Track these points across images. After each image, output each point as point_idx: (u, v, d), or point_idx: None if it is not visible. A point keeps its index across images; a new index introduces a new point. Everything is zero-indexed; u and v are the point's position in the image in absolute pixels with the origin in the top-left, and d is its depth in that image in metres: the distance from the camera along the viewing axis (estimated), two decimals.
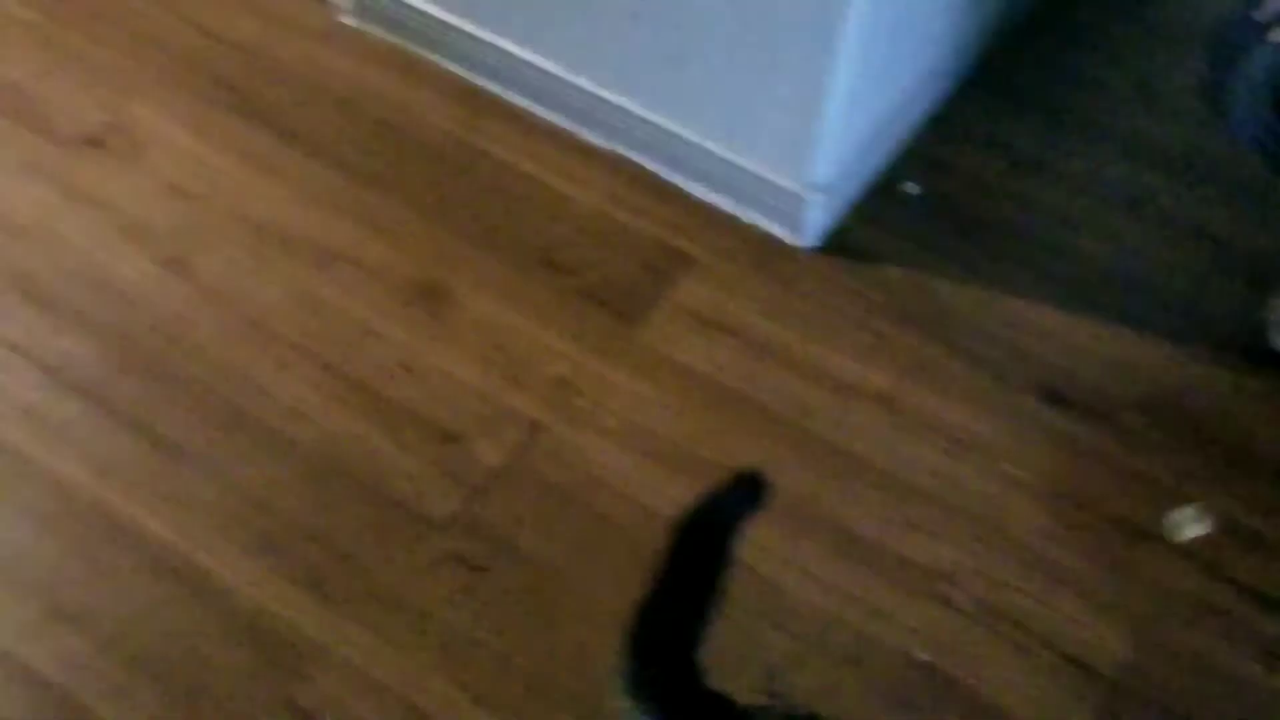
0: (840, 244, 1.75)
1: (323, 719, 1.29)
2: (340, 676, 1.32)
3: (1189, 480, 1.54)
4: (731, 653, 1.34)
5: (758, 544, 1.43)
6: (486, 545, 1.42)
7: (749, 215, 1.74)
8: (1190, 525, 1.51)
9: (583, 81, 1.78)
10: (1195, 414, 1.62)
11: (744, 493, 1.09)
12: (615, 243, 1.71)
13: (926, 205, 1.81)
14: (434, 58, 1.89)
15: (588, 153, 1.81)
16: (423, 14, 1.85)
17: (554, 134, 1.82)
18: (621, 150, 1.80)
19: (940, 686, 1.36)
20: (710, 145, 1.72)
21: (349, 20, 1.93)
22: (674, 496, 1.45)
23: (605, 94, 1.77)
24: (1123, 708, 1.36)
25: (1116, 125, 1.95)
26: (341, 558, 1.40)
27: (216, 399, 1.52)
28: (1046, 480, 1.54)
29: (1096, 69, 2.04)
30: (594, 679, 1.33)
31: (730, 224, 1.74)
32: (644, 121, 1.75)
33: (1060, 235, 1.80)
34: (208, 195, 1.73)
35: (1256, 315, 1.69)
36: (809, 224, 1.71)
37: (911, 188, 1.82)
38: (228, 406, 1.52)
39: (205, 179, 1.75)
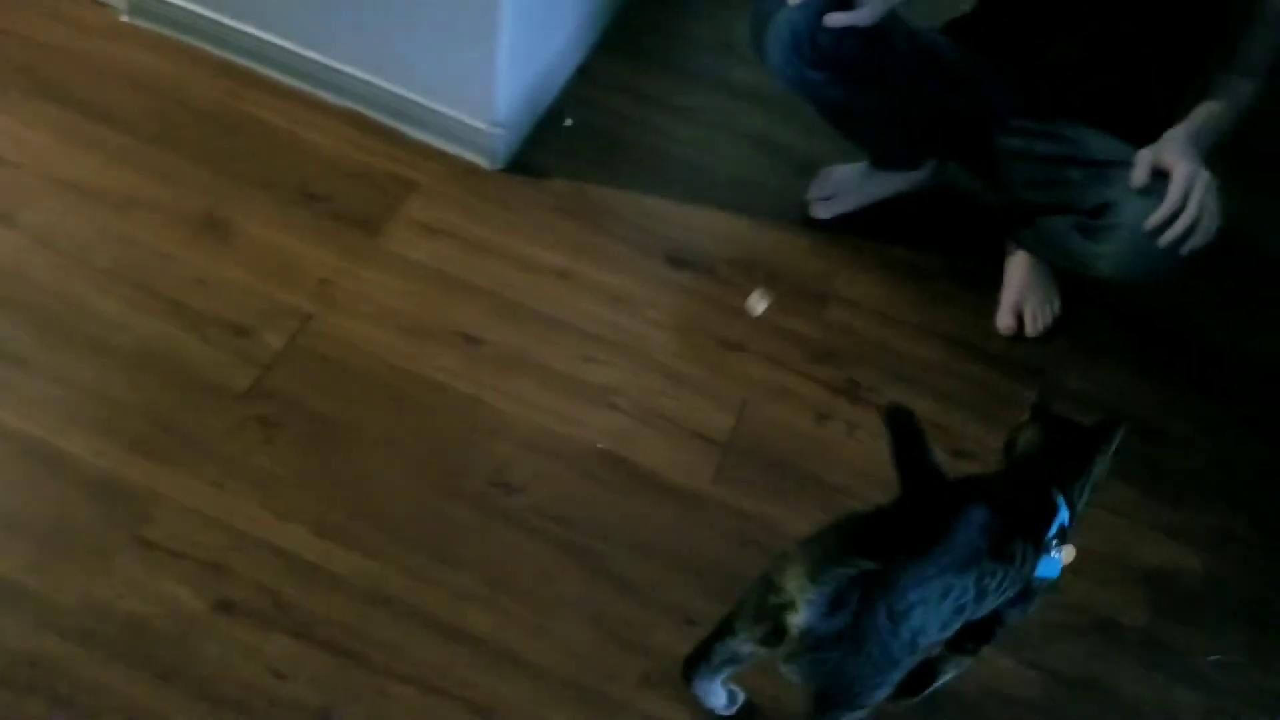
0: (521, 165, 1.74)
1: (165, 546, 1.25)
2: (176, 515, 1.27)
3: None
4: (467, 457, 1.39)
5: (483, 382, 1.46)
6: (279, 407, 1.38)
7: (453, 148, 1.71)
8: (760, 303, 1.60)
9: (314, 54, 1.69)
10: (767, 262, 1.70)
11: (903, 424, 1.08)
12: (355, 175, 1.65)
13: (580, 134, 1.82)
14: (200, 44, 1.75)
15: (326, 109, 1.72)
16: (187, 10, 1.71)
17: (299, 96, 1.73)
18: (352, 105, 1.72)
19: (615, 464, 1.41)
20: (418, 97, 1.68)
21: (127, 19, 1.76)
22: (418, 355, 1.47)
23: (333, 62, 1.69)
24: (734, 461, 1.45)
25: (708, 70, 2.00)
26: (165, 428, 1.33)
27: (53, 319, 1.41)
28: (673, 316, 1.60)
29: (693, 28, 2.08)
30: (372, 493, 1.33)
31: (440, 156, 1.71)
32: (365, 82, 1.69)
33: (677, 150, 1.84)
34: (25, 163, 1.56)
35: (803, 197, 1.79)
36: (497, 152, 1.70)
37: (569, 121, 1.82)
38: (63, 325, 1.40)
39: (22, 150, 1.58)
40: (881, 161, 1.77)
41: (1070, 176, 1.52)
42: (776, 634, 0.99)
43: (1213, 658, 1.38)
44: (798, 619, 0.96)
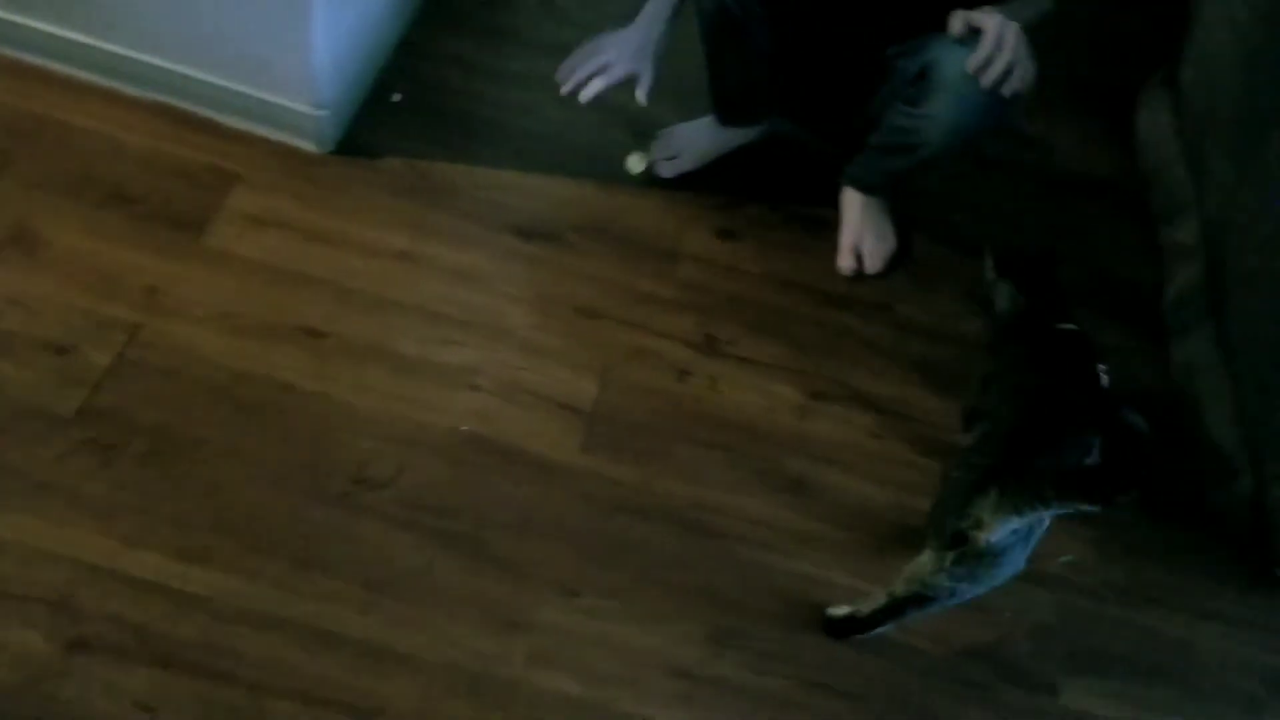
0: (351, 147, 1.66)
1: (3, 592, 1.16)
2: (14, 556, 1.18)
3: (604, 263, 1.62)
4: (325, 457, 1.33)
5: (333, 377, 1.39)
6: (113, 427, 1.29)
7: (276, 135, 1.62)
8: (638, 164, 1.64)
9: (113, 46, 1.56)
10: (616, 224, 1.68)
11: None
12: (171, 172, 1.55)
13: (410, 109, 1.74)
14: None
15: (133, 104, 1.60)
16: None
17: (101, 92, 1.60)
18: (161, 97, 1.61)
19: (481, 445, 1.38)
20: (232, 84, 1.58)
21: None
22: (260, 356, 1.39)
23: (135, 54, 1.57)
24: (601, 428, 1.44)
25: (534, 33, 1.94)
26: None
27: None
28: (526, 289, 1.56)
29: None
30: (226, 507, 1.26)
31: (263, 144, 1.61)
32: (174, 72, 1.58)
33: (512, 119, 1.79)
34: None
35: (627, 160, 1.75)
36: (323, 135, 1.62)
37: (397, 97, 1.75)
38: None
39: None
40: (729, 116, 1.76)
41: (897, 65, 1.56)
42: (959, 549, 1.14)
43: (1064, 559, 1.46)
44: (988, 536, 1.11)
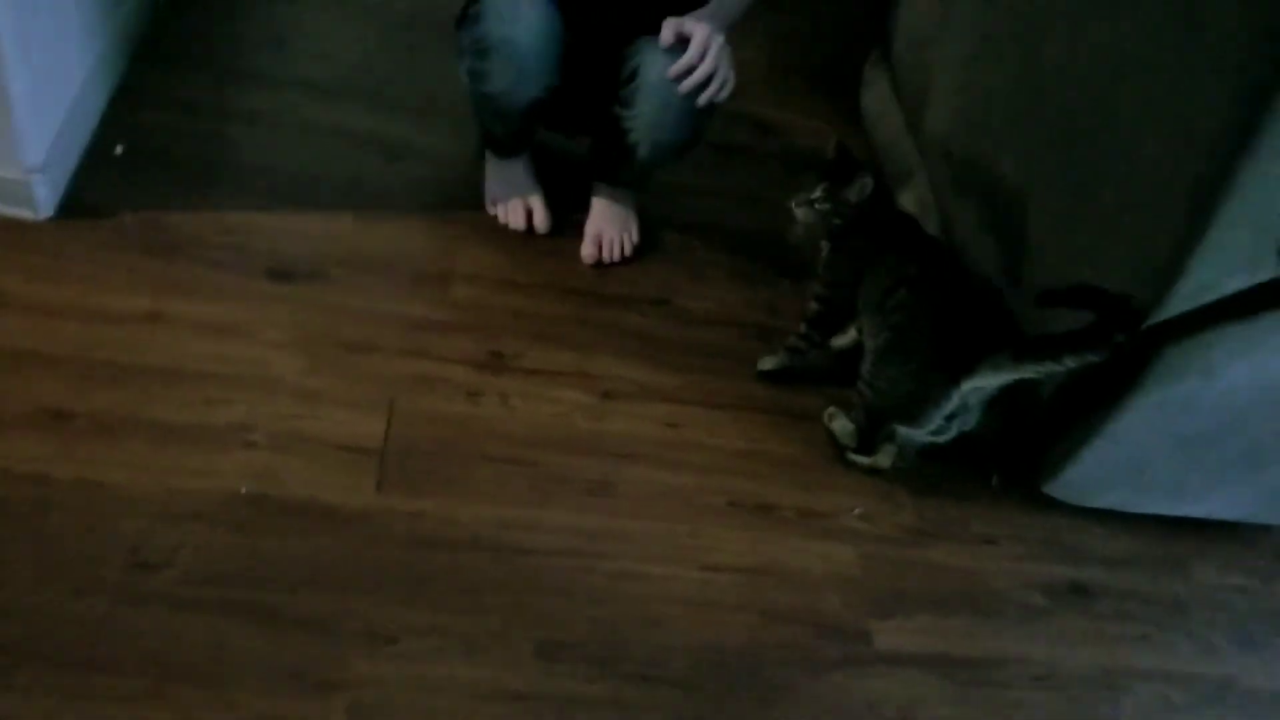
0: (76, 207, 1.52)
1: None
2: None
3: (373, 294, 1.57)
4: (94, 547, 1.20)
5: (88, 459, 1.27)
6: None
7: None
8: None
9: None
10: (381, 253, 1.62)
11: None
12: None
13: (136, 160, 1.62)
14: None
15: None
16: None
17: None
18: None
19: (264, 504, 1.29)
20: None
21: None
22: (3, 452, 1.25)
23: None
24: (395, 464, 1.38)
25: (265, 68, 1.85)
26: None
27: None
28: (291, 333, 1.47)
29: (239, 27, 1.92)
30: None
31: None
32: None
33: (250, 158, 1.70)
34: None
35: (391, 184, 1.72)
36: (41, 200, 1.48)
37: (120, 149, 1.62)
38: None
39: None
40: (501, 149, 1.72)
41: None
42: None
43: (855, 511, 1.53)
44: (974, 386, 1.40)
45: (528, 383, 1.53)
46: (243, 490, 1.30)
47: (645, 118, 1.54)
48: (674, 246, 1.82)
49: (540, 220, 1.73)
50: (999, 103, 1.62)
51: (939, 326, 1.43)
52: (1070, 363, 1.31)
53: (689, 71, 1.48)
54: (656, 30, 1.52)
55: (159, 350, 1.40)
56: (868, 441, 1.55)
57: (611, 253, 1.74)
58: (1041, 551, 1.57)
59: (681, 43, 1.49)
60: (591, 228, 1.74)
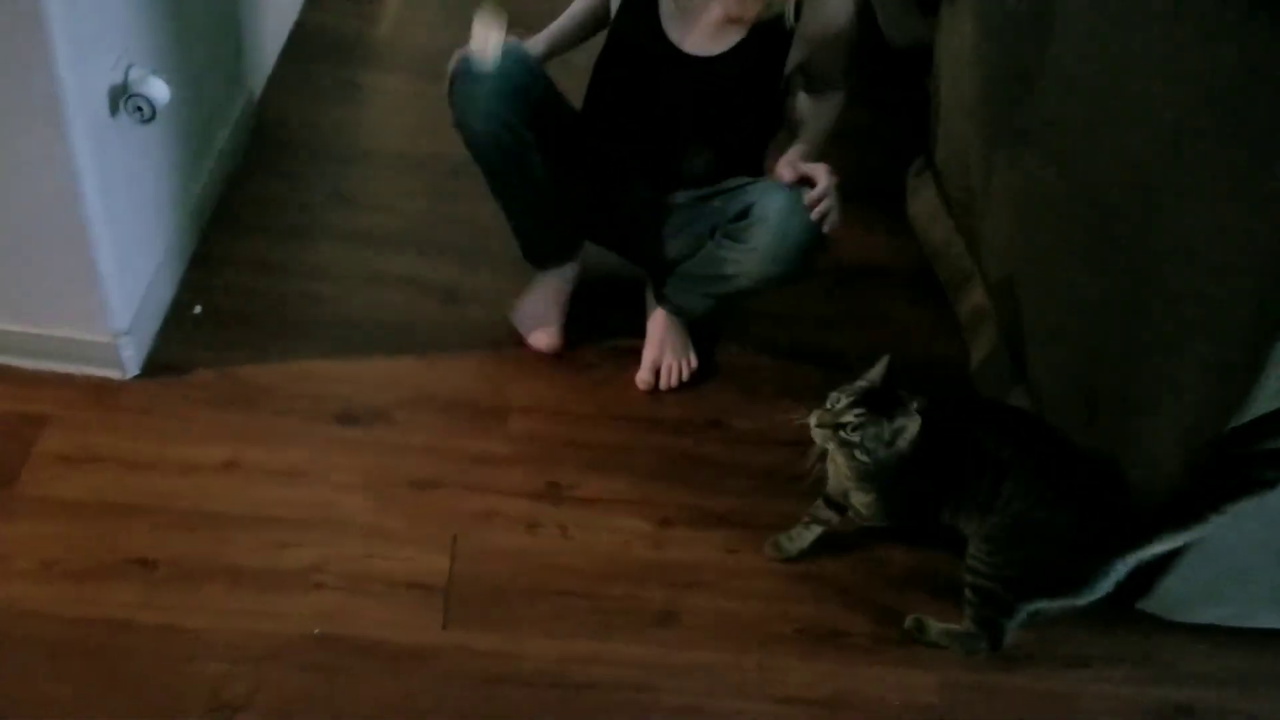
0: (159, 366, 1.69)
1: None
2: None
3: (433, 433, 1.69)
4: (176, 691, 1.31)
5: (171, 605, 1.39)
6: None
7: (80, 369, 1.64)
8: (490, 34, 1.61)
9: None
10: (440, 393, 1.75)
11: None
12: None
13: (213, 319, 1.80)
14: None
15: None
16: None
17: None
18: None
19: (336, 645, 1.39)
20: (26, 328, 1.60)
21: None
22: (92, 599, 1.38)
23: None
24: (460, 601, 1.46)
25: (326, 223, 2.05)
26: None
27: None
28: (357, 475, 1.60)
29: (299, 189, 2.12)
30: None
31: (67, 381, 1.63)
32: None
33: (318, 310, 1.86)
34: None
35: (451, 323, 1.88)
36: (127, 361, 1.65)
37: (198, 309, 1.80)
38: None
39: None
40: (538, 258, 1.90)
41: (713, 205, 1.75)
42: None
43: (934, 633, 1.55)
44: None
45: (586, 512, 1.62)
46: (315, 631, 1.40)
47: (761, 252, 1.65)
48: (724, 366, 1.92)
49: (547, 345, 1.86)
50: (1052, 205, 1.71)
51: (1066, 502, 1.40)
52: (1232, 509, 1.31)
53: (816, 203, 1.61)
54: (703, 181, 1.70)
55: (235, 497, 1.54)
56: (997, 627, 1.49)
57: (669, 379, 1.84)
58: (1140, 673, 1.54)
59: (801, 181, 1.64)
60: (650, 354, 1.85)
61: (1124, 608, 1.56)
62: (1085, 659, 1.55)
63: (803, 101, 1.84)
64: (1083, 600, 1.41)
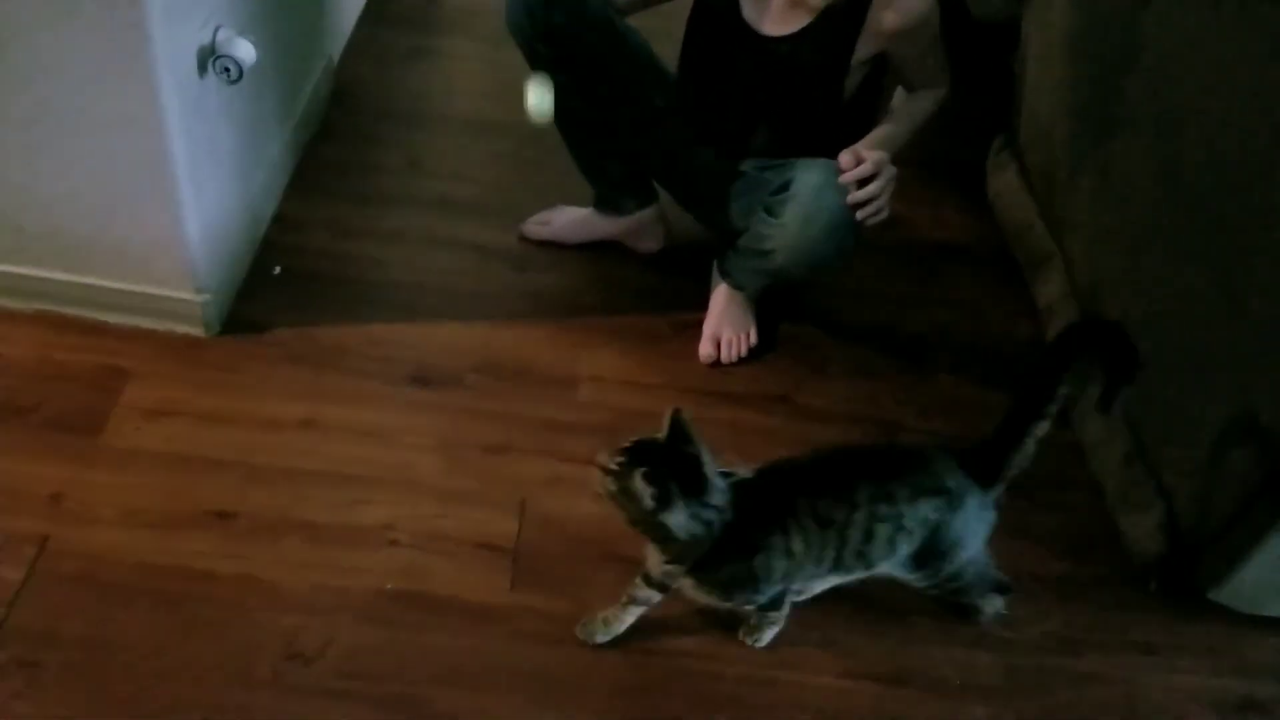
0: (239, 324, 1.75)
1: None
2: None
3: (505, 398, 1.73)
4: (251, 640, 1.37)
5: (248, 556, 1.45)
6: (33, 644, 1.32)
7: (163, 325, 1.71)
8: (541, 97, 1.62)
9: None
10: (511, 359, 1.79)
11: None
12: (61, 377, 1.62)
13: (292, 280, 1.86)
14: None
15: (14, 316, 1.68)
16: None
17: None
18: (43, 306, 1.69)
19: (408, 601, 1.43)
20: (115, 284, 1.67)
21: None
22: (173, 548, 1.45)
23: (11, 268, 1.66)
24: (527, 563, 1.51)
25: (401, 191, 2.09)
26: None
27: None
28: (431, 437, 1.64)
29: (377, 155, 2.17)
30: (159, 708, 1.29)
31: (151, 336, 1.70)
32: (54, 281, 1.66)
33: (393, 274, 1.91)
34: None
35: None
36: (209, 318, 1.71)
37: (277, 270, 1.86)
38: None
39: None
40: (600, 191, 1.95)
41: (767, 177, 1.76)
42: None
43: (994, 611, 1.54)
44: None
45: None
46: (387, 587, 1.45)
47: (790, 228, 1.65)
48: (794, 342, 1.93)
49: (528, 227, 1.98)
50: (1140, 191, 1.69)
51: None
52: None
53: (858, 184, 1.58)
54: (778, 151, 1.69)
55: (311, 454, 1.59)
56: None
57: (729, 353, 1.86)
58: (1208, 664, 1.54)
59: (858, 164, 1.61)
60: (710, 327, 1.88)
61: (1196, 598, 1.56)
62: (1153, 647, 1.55)
63: (898, 97, 1.84)
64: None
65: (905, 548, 1.36)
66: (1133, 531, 1.65)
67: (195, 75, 1.54)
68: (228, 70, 1.57)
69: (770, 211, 1.70)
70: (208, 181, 1.64)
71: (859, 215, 1.61)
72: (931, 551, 1.37)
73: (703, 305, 1.91)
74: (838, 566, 1.36)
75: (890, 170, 1.61)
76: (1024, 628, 1.54)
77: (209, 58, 1.56)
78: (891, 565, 1.39)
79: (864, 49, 1.68)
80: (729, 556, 1.31)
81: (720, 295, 1.89)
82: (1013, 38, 2.21)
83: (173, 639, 1.36)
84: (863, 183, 1.59)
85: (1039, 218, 2.07)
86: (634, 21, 1.79)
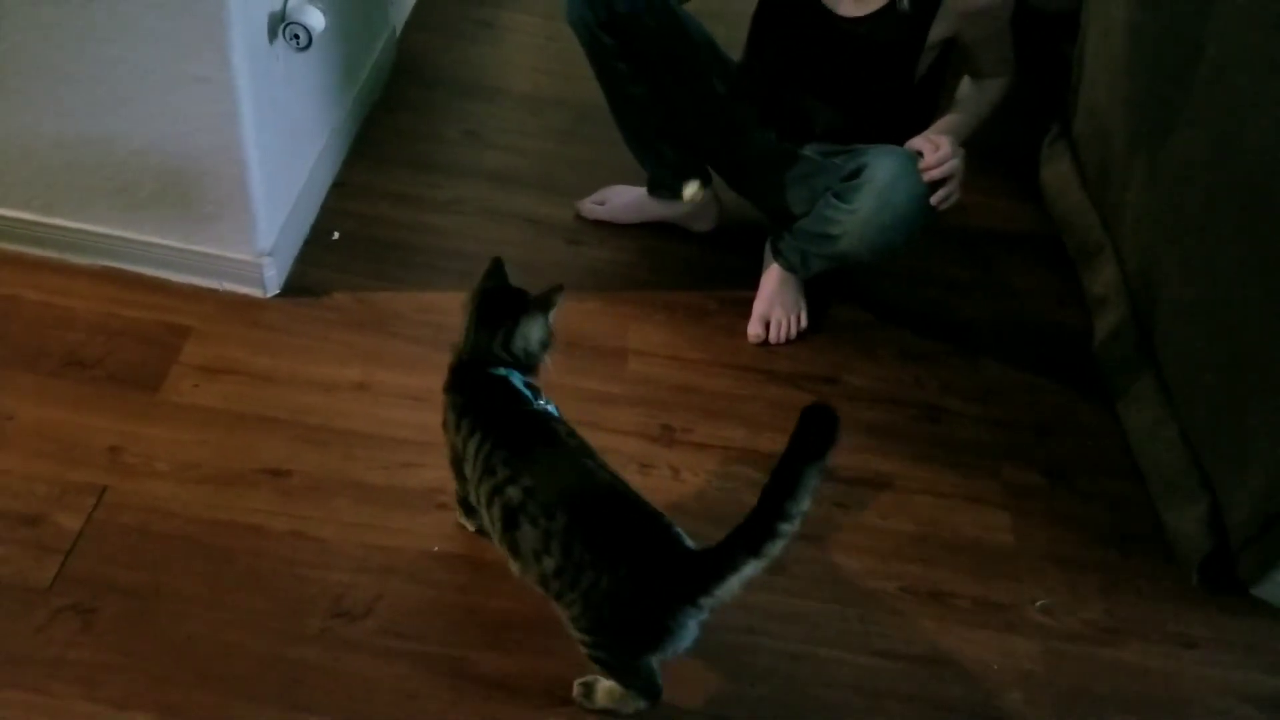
0: (298, 287, 1.75)
1: None
2: None
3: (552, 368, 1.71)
4: (300, 595, 1.37)
5: (300, 514, 1.45)
6: (90, 591, 1.32)
7: (224, 285, 1.71)
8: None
9: (57, 220, 1.65)
10: (561, 330, 1.68)
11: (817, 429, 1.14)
12: (123, 333, 1.62)
13: (350, 245, 1.85)
14: None
15: (78, 272, 1.68)
16: None
17: (46, 264, 1.68)
18: (108, 263, 1.69)
19: (455, 563, 1.43)
20: (179, 244, 1.67)
21: None
22: (227, 503, 1.45)
23: (79, 225, 1.66)
24: None
25: (458, 161, 2.07)
26: None
27: None
28: None
29: (437, 125, 2.15)
30: (209, 658, 1.29)
31: (212, 296, 1.70)
32: (120, 239, 1.66)
33: (448, 243, 1.89)
34: None
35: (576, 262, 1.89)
36: (269, 280, 1.71)
37: (336, 236, 1.85)
38: None
39: None
40: (654, 176, 1.92)
41: (834, 163, 1.72)
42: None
43: (1039, 603, 1.52)
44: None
45: (698, 457, 1.62)
46: (435, 549, 1.44)
47: (863, 215, 1.62)
48: (844, 324, 1.89)
49: (583, 205, 1.97)
50: (1195, 184, 1.63)
51: (614, 562, 1.19)
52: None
53: (937, 168, 1.58)
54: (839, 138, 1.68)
55: (364, 416, 1.58)
56: (639, 680, 1.29)
57: (779, 334, 1.83)
58: (1248, 659, 1.50)
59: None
60: (759, 308, 1.84)
61: (1239, 593, 1.52)
62: (1193, 640, 1.51)
63: (964, 86, 1.79)
64: (674, 651, 1.20)
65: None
66: (1176, 523, 1.61)
67: (265, 41, 1.53)
68: (297, 37, 1.55)
69: (841, 197, 1.66)
70: (272, 146, 1.63)
71: (933, 199, 1.59)
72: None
73: (753, 284, 1.87)
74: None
75: (961, 156, 1.60)
76: (1064, 615, 1.51)
77: (280, 24, 1.55)
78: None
79: (939, 29, 1.64)
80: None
81: (772, 276, 1.86)
82: (1069, 28, 2.14)
83: (224, 591, 1.36)
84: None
85: (1092, 207, 2.01)
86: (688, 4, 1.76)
